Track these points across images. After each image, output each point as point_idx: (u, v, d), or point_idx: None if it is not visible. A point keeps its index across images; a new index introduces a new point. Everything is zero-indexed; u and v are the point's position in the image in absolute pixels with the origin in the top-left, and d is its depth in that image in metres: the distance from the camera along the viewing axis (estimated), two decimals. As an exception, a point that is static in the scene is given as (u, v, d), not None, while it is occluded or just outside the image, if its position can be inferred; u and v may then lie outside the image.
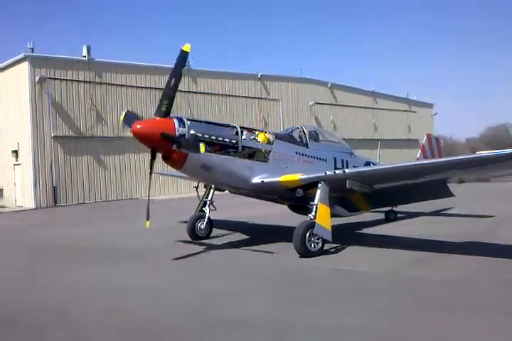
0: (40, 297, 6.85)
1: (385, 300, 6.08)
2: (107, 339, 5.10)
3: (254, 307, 5.97)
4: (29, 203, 24.27)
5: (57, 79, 24.93)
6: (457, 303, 5.85)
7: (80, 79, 25.74)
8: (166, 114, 9.16)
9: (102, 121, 26.48)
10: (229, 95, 32.06)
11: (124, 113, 10.09)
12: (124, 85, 27.48)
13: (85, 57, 25.93)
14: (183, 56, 9.36)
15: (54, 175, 24.52)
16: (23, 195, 25.01)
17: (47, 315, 5.97)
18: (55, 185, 24.46)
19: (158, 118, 9.10)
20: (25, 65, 24.40)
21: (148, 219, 9.01)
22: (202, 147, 8.64)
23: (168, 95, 9.20)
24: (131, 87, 27.73)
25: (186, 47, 9.33)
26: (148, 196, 9.42)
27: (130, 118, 9.75)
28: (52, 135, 24.59)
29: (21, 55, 24.60)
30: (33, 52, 24.86)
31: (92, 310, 6.09)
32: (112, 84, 27.03)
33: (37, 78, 24.07)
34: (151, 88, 27.97)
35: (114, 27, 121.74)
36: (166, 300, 6.48)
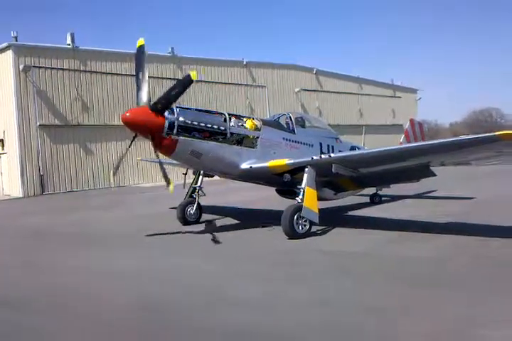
0: (40, 279, 7.09)
1: (363, 276, 6.45)
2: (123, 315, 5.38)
3: (244, 286, 6.29)
4: (16, 192, 24.26)
5: (41, 67, 24.73)
6: (432, 278, 6.24)
7: (65, 68, 25.55)
8: (149, 100, 9.40)
9: (88, 110, 26.40)
10: (215, 82, 32.08)
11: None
12: (109, 73, 27.33)
13: (69, 45, 25.73)
14: (141, 52, 9.97)
15: (41, 163, 24.49)
16: (10, 184, 24.97)
17: (48, 294, 6.23)
18: (42, 174, 24.45)
19: (146, 106, 9.30)
20: (9, 53, 24.13)
21: (168, 184, 8.76)
22: (193, 73, 8.99)
23: (144, 84, 9.52)
24: (117, 74, 27.58)
25: (140, 42, 9.98)
26: (162, 166, 9.31)
27: None
28: (38, 124, 24.48)
29: (5, 44, 24.29)
30: (16, 40, 24.56)
31: (100, 290, 6.36)
32: (97, 72, 26.86)
33: (21, 67, 23.87)
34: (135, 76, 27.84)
35: (98, 13, 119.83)
36: (160, 280, 6.76)
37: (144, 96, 9.40)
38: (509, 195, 14.28)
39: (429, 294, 5.58)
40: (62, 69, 25.47)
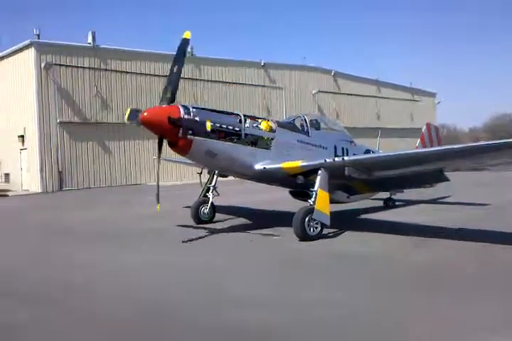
0: (49, 270, 7.27)
1: (370, 279, 6.49)
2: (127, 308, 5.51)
3: (254, 287, 6.37)
4: (35, 187, 24.74)
5: (62, 65, 25.22)
6: (438, 283, 6.26)
7: (86, 66, 26.03)
8: (172, 100, 9.50)
9: (107, 108, 26.81)
10: (232, 83, 32.27)
11: (128, 110, 10.37)
12: (128, 72, 27.74)
13: (90, 43, 26.15)
14: (184, 43, 9.90)
15: (60, 160, 24.94)
16: (29, 180, 25.47)
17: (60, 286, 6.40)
18: (60, 170, 24.91)
19: (164, 105, 9.43)
20: (32, 51, 24.67)
21: (158, 202, 9.22)
22: (208, 124, 9.00)
23: (173, 82, 9.56)
24: (136, 73, 27.99)
25: (186, 35, 9.91)
26: (158, 181, 9.70)
27: (134, 114, 10.07)
28: (58, 121, 24.95)
29: (27, 41, 24.85)
30: (39, 38, 25.08)
31: (107, 284, 6.51)
32: (116, 71, 27.29)
33: (43, 64, 24.36)
34: (155, 75, 28.24)
35: (120, 13, 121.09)
36: (174, 275, 6.89)
37: (168, 96, 9.43)
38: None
39: (432, 297, 5.60)
40: (83, 68, 25.91)
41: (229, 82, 32.02)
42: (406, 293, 5.89)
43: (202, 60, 30.81)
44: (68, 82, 25.46)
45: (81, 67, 25.83)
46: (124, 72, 27.58)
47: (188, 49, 30.78)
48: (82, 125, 25.86)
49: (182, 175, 28.44)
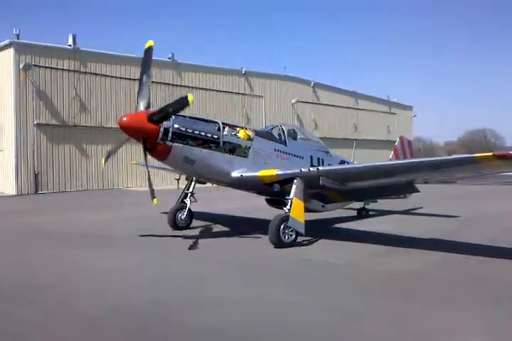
0: (28, 275, 7.29)
1: (339, 285, 6.71)
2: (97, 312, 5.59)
3: (226, 290, 6.52)
4: (10, 189, 24.37)
5: (42, 66, 25.01)
6: (404, 290, 6.52)
7: (65, 68, 25.86)
8: (148, 107, 9.67)
9: (86, 111, 26.67)
10: (213, 90, 32.45)
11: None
12: (108, 75, 27.64)
13: (71, 46, 26.04)
14: (149, 52, 10.18)
15: (36, 162, 24.66)
16: (4, 181, 25.08)
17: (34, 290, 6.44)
18: (36, 172, 24.61)
19: (142, 111, 9.57)
20: (11, 51, 24.41)
21: (154, 197, 9.26)
22: (190, 98, 9.07)
23: (146, 89, 9.82)
24: (116, 77, 27.91)
25: (149, 43, 10.18)
26: (149, 178, 9.72)
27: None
28: (36, 122, 24.70)
29: (6, 41, 24.58)
30: (18, 38, 24.85)
31: (85, 287, 6.57)
32: (96, 74, 27.18)
33: (21, 65, 24.14)
34: (135, 79, 28.00)
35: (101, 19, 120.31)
36: (146, 281, 6.99)
37: (144, 102, 9.66)
38: (490, 214, 14.70)
39: (397, 304, 5.84)
40: (62, 70, 25.75)
41: (210, 89, 32.19)
42: (373, 298, 6.11)
43: (183, 66, 30.95)
44: (47, 84, 25.26)
45: (60, 69, 25.67)
46: (103, 75, 27.49)
47: (169, 55, 31.08)
48: (59, 127, 25.65)
49: (159, 181, 28.36)
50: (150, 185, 9.52)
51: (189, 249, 9.42)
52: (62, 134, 25.68)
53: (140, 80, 9.97)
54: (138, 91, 9.97)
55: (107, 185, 27.17)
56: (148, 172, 9.77)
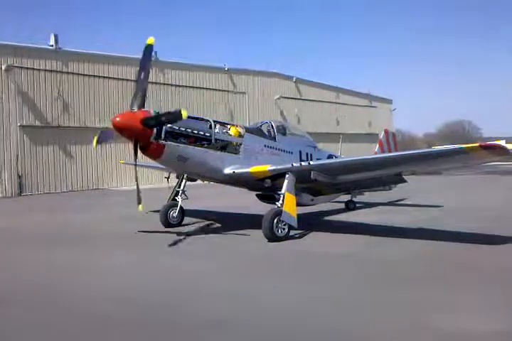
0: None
1: (335, 273, 7.00)
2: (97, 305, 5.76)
3: (230, 283, 6.75)
4: (-6, 192, 24.13)
5: (24, 67, 24.76)
6: (404, 276, 6.83)
7: (47, 69, 25.64)
8: (142, 106, 9.76)
9: (69, 111, 26.48)
10: (196, 87, 32.48)
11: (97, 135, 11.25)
12: (91, 75, 27.48)
13: (53, 46, 25.83)
14: (148, 49, 10.07)
15: (19, 164, 24.44)
16: (-13, 184, 24.79)
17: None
18: (20, 174, 24.41)
19: (135, 110, 9.66)
20: (-9, 52, 24.12)
21: (139, 203, 9.40)
22: (184, 113, 9.13)
23: (141, 88, 9.84)
24: (99, 77, 27.74)
25: (150, 41, 10.04)
26: (137, 182, 9.92)
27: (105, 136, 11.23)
28: (19, 124, 24.46)
29: (-13, 43, 24.29)
30: (-1, 39, 24.57)
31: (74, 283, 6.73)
32: (79, 74, 26.98)
33: (3, 66, 23.87)
34: (118, 79, 28.13)
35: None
36: (143, 276, 7.16)
37: (138, 102, 9.72)
38: (472, 204, 15.22)
39: (393, 288, 6.15)
40: (45, 70, 25.53)
41: (193, 87, 32.22)
42: (365, 284, 6.42)
43: (166, 64, 30.89)
44: (29, 85, 25.00)
45: (43, 69, 25.44)
46: (86, 75, 27.32)
47: (153, 53, 30.96)
48: (43, 129, 25.44)
49: (148, 179, 28.39)
50: (138, 189, 9.64)
51: (181, 246, 9.56)
52: (45, 135, 25.46)
53: (138, 78, 10.00)
54: (134, 91, 9.96)
55: (92, 186, 27.05)
56: (136, 177, 10.00)
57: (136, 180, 9.91)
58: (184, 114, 9.16)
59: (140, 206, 9.40)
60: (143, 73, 9.93)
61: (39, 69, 25.32)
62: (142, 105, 9.77)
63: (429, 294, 5.97)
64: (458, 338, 4.62)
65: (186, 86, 31.86)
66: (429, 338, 4.63)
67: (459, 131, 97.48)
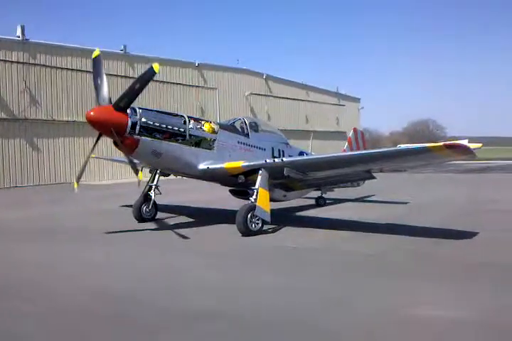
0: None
1: (323, 268, 7.27)
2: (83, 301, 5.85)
3: (206, 276, 6.92)
4: (-43, 186, 23.51)
5: (-12, 59, 24.16)
6: (372, 269, 7.15)
7: (14, 60, 25.06)
8: (110, 102, 9.79)
9: (36, 104, 25.99)
10: (166, 82, 32.30)
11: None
12: (59, 67, 27.01)
13: (19, 37, 25.24)
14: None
15: (-16, 157, 23.87)
16: (-51, 178, 24.12)
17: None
18: (-15, 168, 23.84)
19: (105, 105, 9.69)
20: (-45, 42, 23.42)
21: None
22: (155, 66, 9.24)
23: (102, 87, 9.92)
24: (67, 69, 27.31)
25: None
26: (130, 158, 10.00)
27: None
28: (-17, 116, 23.89)
29: (-50, 32, 23.56)
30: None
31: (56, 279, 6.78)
32: (46, 66, 26.49)
33: (-32, 57, 23.24)
34: (86, 71, 27.64)
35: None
36: (123, 271, 7.26)
37: (106, 96, 9.79)
38: (437, 200, 15.83)
39: (362, 280, 6.47)
40: (11, 62, 24.96)
41: (163, 81, 32.02)
42: (358, 275, 6.72)
43: (135, 57, 30.63)
44: (-5, 76, 24.42)
45: (9, 61, 24.85)
46: (54, 67, 26.83)
47: (121, 47, 30.63)
48: (8, 121, 24.89)
49: (119, 174, 28.15)
50: (130, 161, 9.81)
51: (155, 240, 9.66)
52: (11, 128, 24.94)
53: (95, 83, 10.08)
54: (96, 92, 10.02)
55: (60, 179, 26.63)
56: (127, 157, 9.99)
57: (128, 159, 9.97)
58: (156, 67, 9.30)
59: (140, 173, 9.60)
60: (99, 79, 10.03)
61: (5, 61, 24.73)
62: (110, 99, 9.82)
63: (398, 284, 6.31)
64: (420, 323, 4.94)
65: (157, 80, 31.60)
66: (395, 322, 4.94)
67: (424, 130, 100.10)
